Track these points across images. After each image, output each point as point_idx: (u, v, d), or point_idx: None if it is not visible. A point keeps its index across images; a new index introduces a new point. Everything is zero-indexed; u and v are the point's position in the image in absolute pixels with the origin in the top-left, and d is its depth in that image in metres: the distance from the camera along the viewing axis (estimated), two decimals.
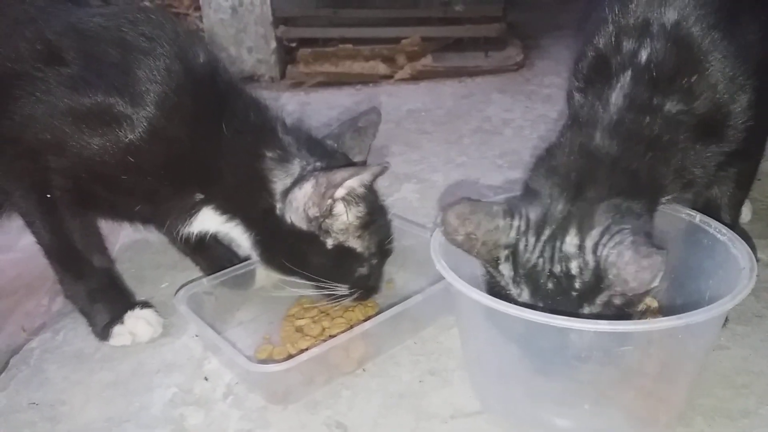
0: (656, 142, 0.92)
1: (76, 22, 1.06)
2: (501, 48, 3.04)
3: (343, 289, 1.13)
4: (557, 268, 0.85)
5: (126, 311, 1.16)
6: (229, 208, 1.13)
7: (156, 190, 1.10)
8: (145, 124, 1.02)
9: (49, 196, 1.09)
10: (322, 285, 1.12)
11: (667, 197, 0.96)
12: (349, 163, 1.16)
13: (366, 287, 1.16)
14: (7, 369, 1.13)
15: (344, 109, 2.52)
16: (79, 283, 1.16)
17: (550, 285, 0.85)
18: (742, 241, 0.91)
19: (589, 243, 0.83)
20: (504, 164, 1.89)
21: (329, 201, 1.06)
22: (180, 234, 1.16)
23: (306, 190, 1.06)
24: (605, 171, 0.89)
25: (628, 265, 0.77)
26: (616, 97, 0.94)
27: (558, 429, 0.91)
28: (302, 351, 1.01)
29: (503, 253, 0.89)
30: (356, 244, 1.12)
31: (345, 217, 1.09)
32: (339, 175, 1.04)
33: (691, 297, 0.98)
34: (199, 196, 1.12)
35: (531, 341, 0.86)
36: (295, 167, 1.10)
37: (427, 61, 2.90)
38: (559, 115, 2.29)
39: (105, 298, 1.17)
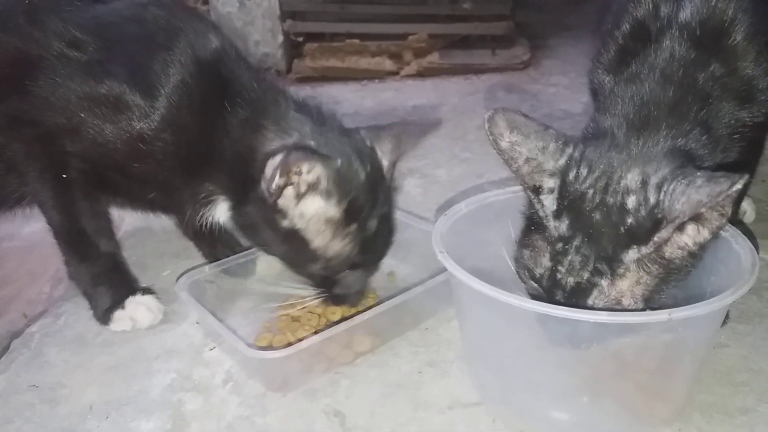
0: (706, 99, 0.91)
1: (98, 15, 1.11)
2: (508, 46, 3.03)
3: (309, 288, 1.09)
4: (610, 200, 0.82)
5: (127, 296, 1.17)
6: (226, 184, 1.11)
7: (168, 178, 1.11)
8: (156, 115, 1.05)
9: (65, 176, 1.10)
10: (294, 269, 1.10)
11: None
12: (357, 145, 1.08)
13: (331, 293, 1.09)
14: (7, 352, 1.13)
15: (350, 104, 2.53)
16: (83, 265, 1.17)
17: (597, 216, 0.82)
18: (745, 237, 0.91)
19: (654, 180, 0.80)
20: None
21: (277, 180, 0.97)
22: (201, 224, 1.16)
23: (276, 161, 0.99)
24: (666, 118, 0.88)
25: (701, 188, 0.74)
26: (663, 58, 0.94)
27: (555, 421, 0.91)
28: (301, 339, 1.01)
29: (548, 183, 0.86)
30: (312, 237, 1.04)
31: (306, 204, 1.01)
32: (294, 155, 0.96)
33: (692, 293, 0.97)
34: (210, 186, 1.12)
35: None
36: (291, 139, 1.06)
37: (433, 57, 2.90)
38: (565, 114, 2.30)
39: (108, 282, 1.17)
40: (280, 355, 0.96)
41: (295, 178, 0.98)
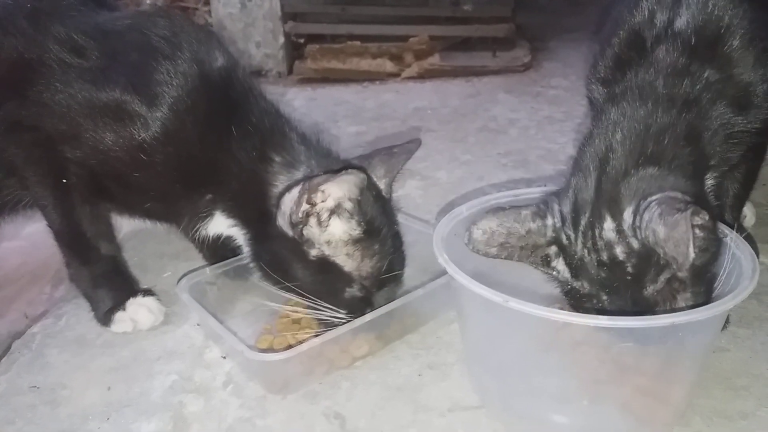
0: (694, 104, 0.92)
1: (102, 23, 1.11)
2: (509, 49, 3.04)
3: (340, 315, 1.06)
4: (603, 256, 0.84)
5: (128, 298, 1.17)
6: (235, 211, 1.12)
7: (167, 189, 1.11)
8: (158, 125, 1.04)
9: (64, 181, 1.11)
10: (316, 305, 1.06)
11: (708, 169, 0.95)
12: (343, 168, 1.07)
13: (362, 315, 1.05)
14: (8, 353, 1.14)
15: (351, 105, 2.53)
16: (84, 268, 1.17)
17: (602, 274, 0.85)
18: (745, 242, 0.91)
19: (625, 226, 0.82)
20: (508, 163, 1.89)
21: (305, 206, 1.00)
22: (196, 236, 1.17)
23: (293, 195, 1.01)
24: (634, 138, 0.88)
25: (667, 242, 0.75)
26: (655, 69, 0.95)
27: (556, 425, 0.91)
28: (302, 342, 1.02)
29: (552, 251, 0.89)
30: (344, 261, 1.04)
31: (331, 229, 1.02)
32: (317, 179, 0.98)
33: None
34: (209, 198, 1.12)
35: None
36: (300, 173, 1.08)
37: (434, 59, 2.90)
38: (566, 116, 2.30)
39: (108, 284, 1.18)
40: (280, 358, 0.96)
41: (316, 207, 1.00)
